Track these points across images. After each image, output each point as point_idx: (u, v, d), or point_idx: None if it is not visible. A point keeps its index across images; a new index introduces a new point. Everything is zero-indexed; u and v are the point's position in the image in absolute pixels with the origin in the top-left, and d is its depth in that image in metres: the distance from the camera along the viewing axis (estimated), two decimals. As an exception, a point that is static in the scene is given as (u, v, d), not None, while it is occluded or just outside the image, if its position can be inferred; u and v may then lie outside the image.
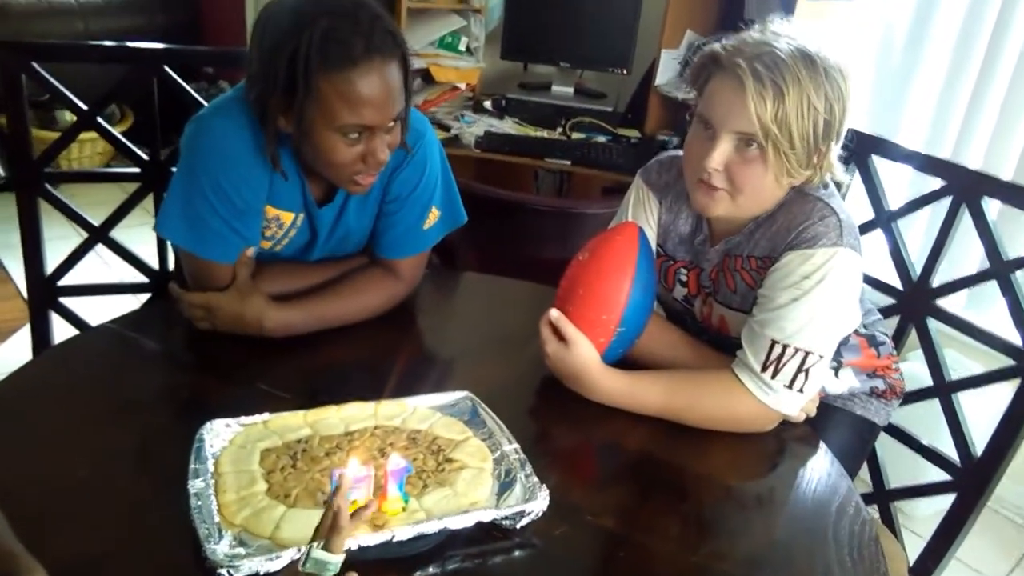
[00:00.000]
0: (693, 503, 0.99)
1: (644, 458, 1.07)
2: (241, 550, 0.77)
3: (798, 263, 1.07)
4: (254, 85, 1.10)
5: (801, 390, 1.08)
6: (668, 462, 1.05)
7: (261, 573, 0.75)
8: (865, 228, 1.43)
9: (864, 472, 1.44)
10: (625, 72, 2.59)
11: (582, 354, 1.10)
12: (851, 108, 1.07)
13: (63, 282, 1.59)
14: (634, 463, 1.07)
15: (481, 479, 0.90)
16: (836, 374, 1.29)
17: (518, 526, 0.86)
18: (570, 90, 2.68)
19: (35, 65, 1.48)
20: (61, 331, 1.57)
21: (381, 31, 1.06)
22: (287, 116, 1.08)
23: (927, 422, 1.48)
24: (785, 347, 1.07)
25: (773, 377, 1.07)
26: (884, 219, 1.44)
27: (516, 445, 0.96)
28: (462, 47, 2.64)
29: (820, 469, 1.08)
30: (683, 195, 1.21)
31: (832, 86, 1.04)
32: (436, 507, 0.85)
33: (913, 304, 1.41)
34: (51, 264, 1.59)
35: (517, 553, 0.86)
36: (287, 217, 1.23)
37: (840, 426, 1.29)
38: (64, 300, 1.59)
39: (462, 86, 2.59)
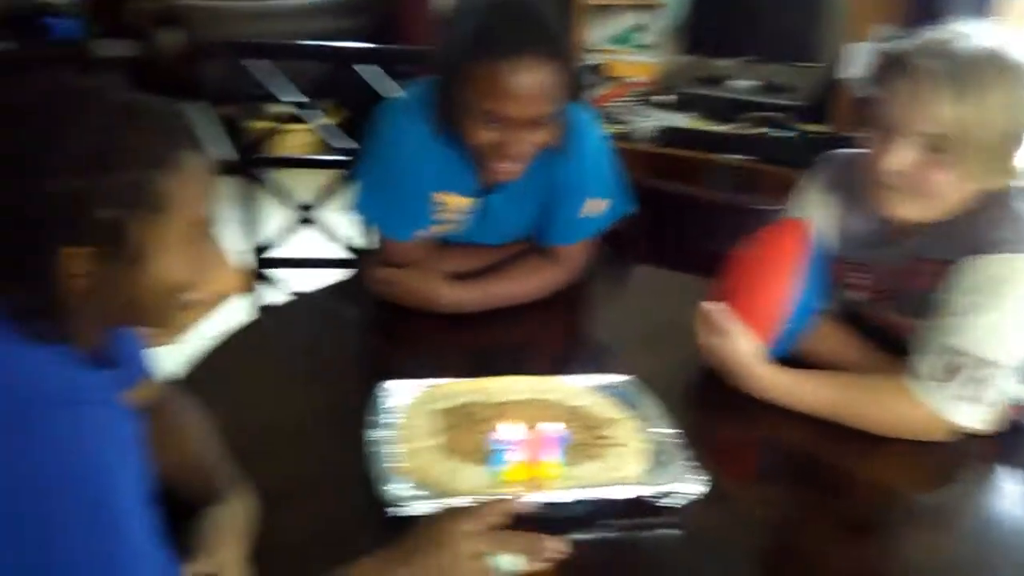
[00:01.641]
0: (854, 505, 0.97)
1: (806, 457, 1.06)
2: (414, 493, 0.86)
3: (981, 268, 1.02)
4: (434, 70, 1.21)
5: (979, 401, 1.03)
6: (832, 463, 1.04)
7: (429, 515, 0.83)
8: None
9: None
10: (812, 65, 2.50)
11: (742, 348, 1.11)
12: None
13: (276, 255, 1.80)
14: (795, 461, 1.06)
15: (634, 457, 0.94)
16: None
17: (669, 505, 0.90)
18: (752, 84, 2.62)
19: (258, 63, 1.68)
20: (270, 299, 1.79)
21: (542, 33, 1.13)
22: (443, 99, 1.18)
23: None
24: (964, 355, 1.02)
25: (949, 386, 1.03)
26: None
27: (672, 429, 0.99)
28: (640, 42, 2.66)
29: (1002, 489, 1.02)
30: (860, 194, 1.18)
31: (1022, 89, 0.98)
32: (588, 477, 0.90)
33: None
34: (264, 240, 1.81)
35: (666, 531, 0.89)
36: (460, 202, 1.33)
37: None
38: (275, 272, 1.80)
39: (638, 81, 2.61)
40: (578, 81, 1.23)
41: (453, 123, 1.20)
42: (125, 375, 0.81)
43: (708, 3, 2.55)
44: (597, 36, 2.57)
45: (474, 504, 0.79)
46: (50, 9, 4.75)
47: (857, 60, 2.35)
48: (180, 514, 0.79)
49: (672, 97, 2.58)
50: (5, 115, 0.66)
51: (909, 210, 1.07)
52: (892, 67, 1.06)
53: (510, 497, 0.81)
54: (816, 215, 1.23)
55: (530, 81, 1.12)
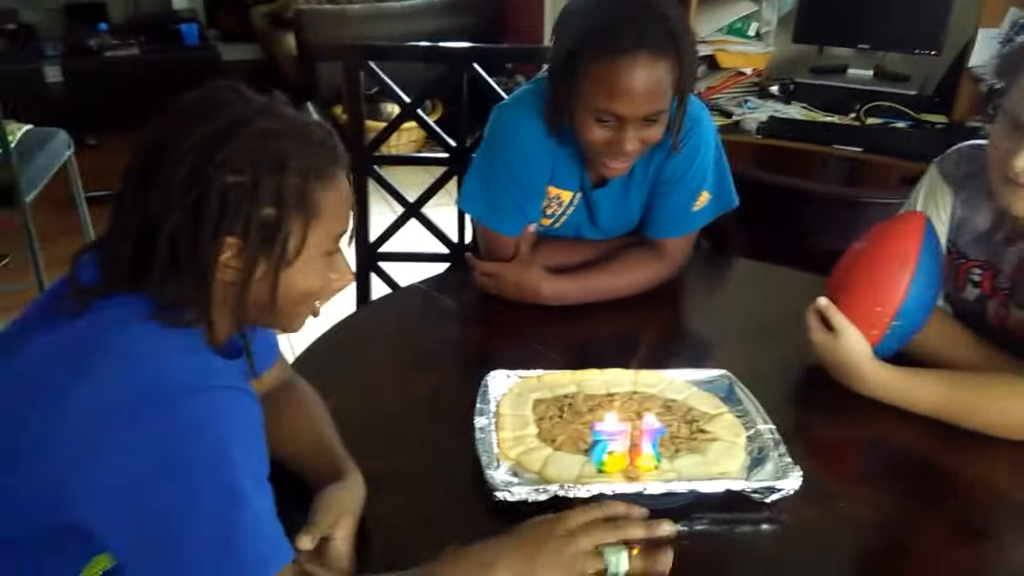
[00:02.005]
0: (961, 507, 0.94)
1: (912, 457, 1.03)
2: (515, 479, 0.89)
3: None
4: (549, 67, 1.22)
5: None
6: (939, 464, 1.01)
7: (529, 500, 0.86)
8: None
9: None
10: (934, 53, 2.38)
11: (851, 345, 1.08)
12: None
13: (382, 249, 1.87)
14: (899, 461, 1.03)
15: (733, 451, 0.94)
16: None
17: (767, 500, 0.89)
18: (868, 73, 2.51)
19: (371, 63, 1.75)
20: (378, 289, 1.86)
21: (659, 29, 1.12)
22: (558, 94, 1.19)
23: None
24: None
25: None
26: None
27: (772, 426, 0.98)
28: (751, 32, 2.60)
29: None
30: (983, 190, 1.12)
31: None
32: (686, 470, 0.91)
33: None
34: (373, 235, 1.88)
35: (764, 527, 0.89)
36: (566, 196, 1.35)
37: None
38: (382, 264, 1.87)
39: (748, 71, 2.55)
40: (694, 75, 1.22)
41: (566, 119, 1.22)
42: (253, 363, 0.87)
43: (821, -10, 2.47)
44: (708, 26, 2.53)
45: (587, 507, 0.81)
46: (177, 16, 5.08)
47: (985, 48, 2.22)
48: (297, 495, 0.85)
49: (785, 87, 2.51)
50: (198, 114, 0.74)
51: None
52: (1020, 61, 1.01)
53: (620, 502, 0.82)
54: (935, 210, 1.19)
55: (645, 80, 1.12)
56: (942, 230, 1.18)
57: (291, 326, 0.84)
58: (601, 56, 1.12)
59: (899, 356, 1.11)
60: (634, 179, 1.34)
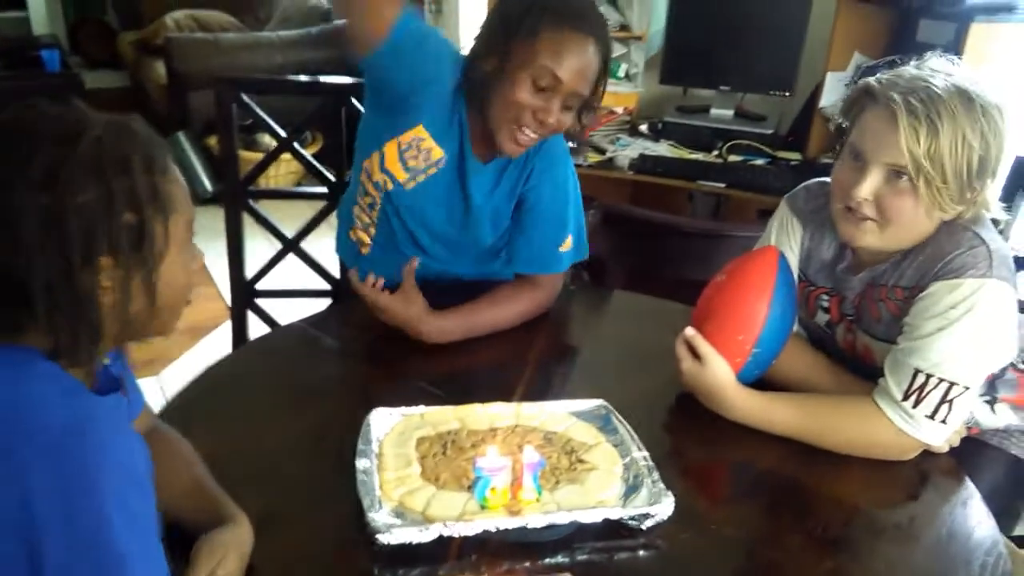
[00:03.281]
0: (821, 522, 1.00)
1: (775, 477, 1.10)
2: (397, 520, 0.89)
3: (944, 293, 1.06)
4: (476, 43, 1.31)
5: (944, 421, 1.07)
6: (799, 482, 1.08)
7: (412, 542, 0.86)
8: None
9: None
10: (788, 94, 2.57)
11: (716, 372, 1.14)
12: (1008, 146, 1.06)
13: (259, 286, 1.82)
14: (764, 481, 1.10)
15: (610, 480, 0.97)
16: (992, 408, 1.25)
17: (643, 527, 0.93)
18: (729, 113, 2.68)
19: (245, 97, 1.72)
20: (255, 328, 1.81)
21: (603, 25, 1.29)
22: (496, 54, 1.26)
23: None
24: (928, 377, 1.06)
25: (915, 406, 1.07)
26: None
27: (645, 453, 1.02)
28: (621, 73, 2.73)
29: (962, 504, 1.06)
30: (828, 222, 1.22)
31: (989, 123, 1.03)
32: (566, 501, 0.93)
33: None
34: (249, 271, 1.83)
35: (642, 553, 0.92)
36: (436, 153, 1.36)
37: (993, 464, 1.25)
38: (260, 301, 1.82)
39: (619, 110, 2.66)
40: (598, 98, 1.34)
41: (492, 83, 1.27)
42: (131, 401, 0.84)
43: (683, 35, 2.62)
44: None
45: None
46: (38, 42, 4.80)
47: (833, 90, 2.42)
48: (179, 539, 0.81)
49: (654, 126, 2.64)
50: (24, 142, 0.70)
51: (875, 239, 1.12)
52: (863, 99, 1.11)
53: None
54: (788, 241, 1.28)
55: (588, 61, 1.25)
56: (794, 261, 1.27)
57: (170, 327, 0.81)
58: (563, 24, 1.23)
59: (761, 382, 1.19)
60: (506, 177, 1.38)
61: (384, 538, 0.86)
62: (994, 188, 1.09)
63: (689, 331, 1.17)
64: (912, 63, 1.11)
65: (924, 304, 1.08)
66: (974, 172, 1.04)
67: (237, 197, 1.76)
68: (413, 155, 1.36)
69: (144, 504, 0.71)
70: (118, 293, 0.72)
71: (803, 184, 1.31)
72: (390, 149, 1.35)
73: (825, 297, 1.25)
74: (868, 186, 1.08)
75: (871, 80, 1.11)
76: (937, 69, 1.07)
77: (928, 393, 1.06)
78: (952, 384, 1.05)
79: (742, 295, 1.16)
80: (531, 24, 1.23)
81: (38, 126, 0.71)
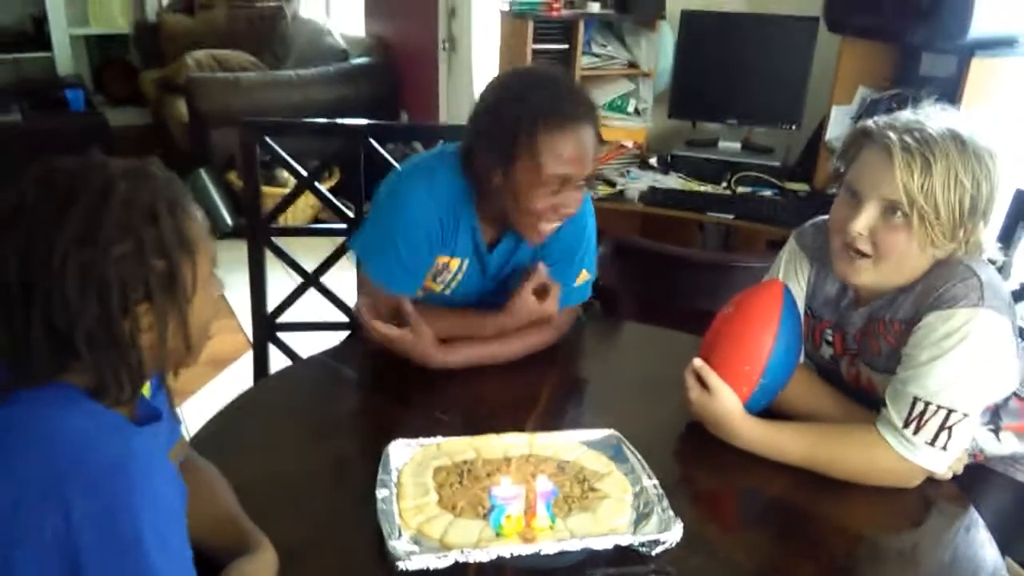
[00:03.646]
0: (828, 549, 1.03)
1: (783, 505, 1.12)
2: (416, 548, 0.93)
3: (939, 323, 1.09)
4: (472, 148, 1.31)
5: (944, 448, 1.10)
6: (807, 510, 1.10)
7: (430, 568, 0.90)
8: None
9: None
10: (794, 127, 2.62)
11: (724, 402, 1.18)
12: (1000, 190, 1.10)
13: (280, 319, 1.87)
14: (772, 508, 1.13)
15: (621, 508, 1.01)
16: (997, 436, 1.28)
17: (653, 553, 0.96)
18: (737, 145, 2.74)
19: (267, 139, 1.79)
20: (277, 360, 1.86)
21: (584, 101, 1.28)
22: (500, 169, 1.27)
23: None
24: (927, 404, 1.09)
25: (915, 434, 1.10)
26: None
27: (655, 481, 1.05)
28: (630, 109, 2.79)
29: (965, 530, 1.08)
30: (828, 258, 1.26)
31: (981, 165, 1.08)
32: (578, 528, 0.96)
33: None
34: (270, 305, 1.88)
35: (653, 578, 0.96)
36: (455, 263, 1.42)
37: (998, 491, 1.27)
38: (281, 335, 1.87)
39: (629, 144, 2.72)
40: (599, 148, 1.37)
41: (503, 194, 1.29)
42: (169, 430, 0.88)
43: (690, 71, 2.68)
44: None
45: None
46: (63, 82, 4.94)
47: (839, 123, 2.46)
48: (206, 567, 0.85)
49: (663, 159, 2.70)
50: (57, 202, 0.74)
51: (871, 276, 1.16)
52: (860, 139, 1.16)
53: None
54: (795, 276, 1.32)
55: (587, 141, 1.27)
56: (800, 295, 1.31)
57: (197, 358, 0.86)
58: (552, 130, 1.23)
59: (770, 411, 1.22)
60: (522, 245, 1.42)
61: (404, 564, 0.89)
62: (989, 232, 1.13)
63: (697, 362, 1.21)
64: (908, 109, 1.16)
65: (920, 335, 1.12)
66: (966, 211, 1.09)
67: (260, 234, 1.82)
68: (441, 275, 1.43)
69: (179, 535, 0.75)
70: (156, 335, 0.77)
71: (811, 221, 1.35)
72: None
73: (829, 331, 1.29)
74: (863, 220, 1.12)
75: (868, 122, 1.16)
76: (933, 115, 1.13)
77: (927, 420, 1.09)
78: (951, 411, 1.08)
79: (748, 327, 1.20)
80: (527, 140, 1.24)
81: (68, 183, 0.75)
